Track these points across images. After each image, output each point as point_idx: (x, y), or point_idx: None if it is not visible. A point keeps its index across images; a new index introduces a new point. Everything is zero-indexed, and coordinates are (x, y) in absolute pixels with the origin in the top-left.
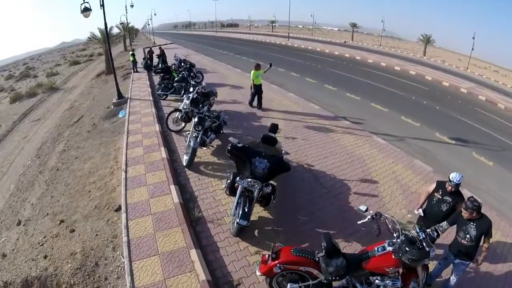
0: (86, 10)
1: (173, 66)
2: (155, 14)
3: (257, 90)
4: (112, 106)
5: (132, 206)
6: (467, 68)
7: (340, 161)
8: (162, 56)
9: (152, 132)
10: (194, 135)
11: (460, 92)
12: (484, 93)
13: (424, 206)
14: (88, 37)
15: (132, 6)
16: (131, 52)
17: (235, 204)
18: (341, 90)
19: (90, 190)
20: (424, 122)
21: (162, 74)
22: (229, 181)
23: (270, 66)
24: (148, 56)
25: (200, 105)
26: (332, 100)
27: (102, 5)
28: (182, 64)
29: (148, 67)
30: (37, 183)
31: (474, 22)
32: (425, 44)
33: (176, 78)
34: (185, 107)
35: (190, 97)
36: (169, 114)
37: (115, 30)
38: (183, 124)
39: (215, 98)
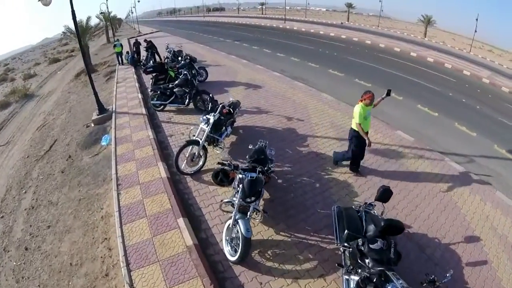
0: None
1: (166, 60)
2: (138, 1)
3: (362, 145)
4: (92, 124)
5: None
6: (470, 51)
7: (434, 210)
8: (151, 48)
9: (156, 180)
10: (239, 203)
11: (483, 82)
12: (505, 83)
13: None
14: (63, 32)
15: None
16: (115, 42)
17: None
18: (376, 87)
19: None
20: (479, 131)
21: (154, 74)
22: None
23: (388, 94)
24: (134, 49)
25: (223, 128)
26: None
27: None
28: (180, 58)
29: (135, 62)
30: (3, 273)
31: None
32: (425, 25)
33: (176, 82)
34: (203, 137)
35: (212, 121)
36: (179, 151)
37: (95, 21)
38: (201, 163)
39: (238, 111)
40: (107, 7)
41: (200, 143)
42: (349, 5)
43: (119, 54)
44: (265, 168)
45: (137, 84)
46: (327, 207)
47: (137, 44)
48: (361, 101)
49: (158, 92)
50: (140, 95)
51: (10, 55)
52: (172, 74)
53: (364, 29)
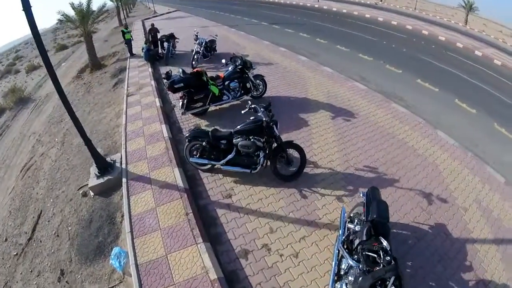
0: None
1: (195, 56)
2: None
3: None
4: (90, 193)
5: None
6: None
7: None
8: (170, 38)
9: None
10: None
11: None
12: None
13: None
14: (58, 19)
15: None
16: (123, 29)
17: None
18: (483, 115)
19: None
20: None
21: (185, 91)
22: None
23: None
24: (150, 38)
25: None
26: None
27: None
28: (229, 61)
29: (152, 57)
30: None
31: None
32: (467, 12)
33: (238, 127)
34: None
35: None
36: None
37: (100, 1)
38: None
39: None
40: None
41: None
42: None
43: (129, 42)
44: None
45: (157, 102)
46: None
47: (154, 30)
48: None
49: (204, 144)
50: (165, 129)
51: (25, 40)
52: (216, 91)
53: (402, 12)
